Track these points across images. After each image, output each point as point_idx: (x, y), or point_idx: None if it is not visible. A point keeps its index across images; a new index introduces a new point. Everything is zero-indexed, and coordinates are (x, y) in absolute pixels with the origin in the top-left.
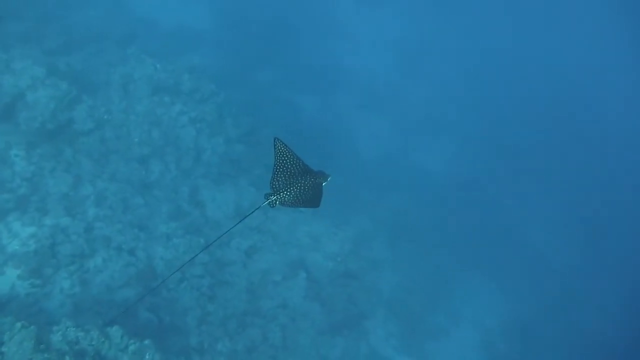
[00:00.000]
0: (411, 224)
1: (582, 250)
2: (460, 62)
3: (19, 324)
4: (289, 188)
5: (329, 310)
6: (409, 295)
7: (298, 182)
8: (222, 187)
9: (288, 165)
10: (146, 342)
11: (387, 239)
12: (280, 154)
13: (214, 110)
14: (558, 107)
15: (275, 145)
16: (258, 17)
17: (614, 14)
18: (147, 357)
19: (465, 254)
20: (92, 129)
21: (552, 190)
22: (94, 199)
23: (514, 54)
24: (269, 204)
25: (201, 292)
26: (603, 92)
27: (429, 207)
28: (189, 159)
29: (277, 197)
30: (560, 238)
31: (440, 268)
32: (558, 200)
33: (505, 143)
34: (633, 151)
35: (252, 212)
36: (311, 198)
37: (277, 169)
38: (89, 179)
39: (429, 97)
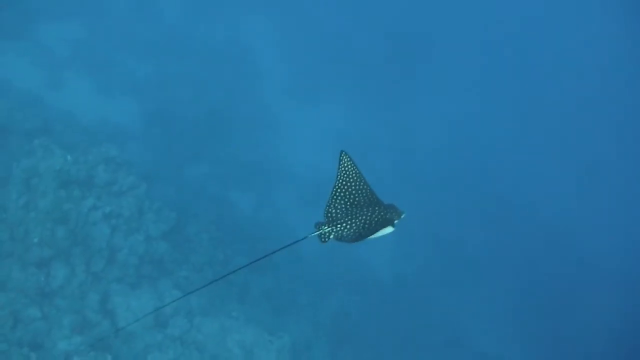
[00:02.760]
0: (354, 327)
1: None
2: (401, 156)
3: None
4: (351, 220)
5: None
6: None
7: (363, 214)
8: (140, 291)
9: (353, 189)
10: None
11: (328, 345)
12: (346, 172)
13: (133, 204)
14: (495, 201)
15: (340, 160)
16: (190, 112)
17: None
18: None
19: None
20: None
21: (494, 285)
22: None
23: (451, 151)
24: (319, 236)
25: None
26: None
27: (372, 307)
28: (101, 261)
29: (332, 230)
30: (507, 339)
31: None
32: (500, 294)
33: (444, 237)
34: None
35: (292, 243)
36: (375, 232)
37: (337, 191)
38: None
39: None
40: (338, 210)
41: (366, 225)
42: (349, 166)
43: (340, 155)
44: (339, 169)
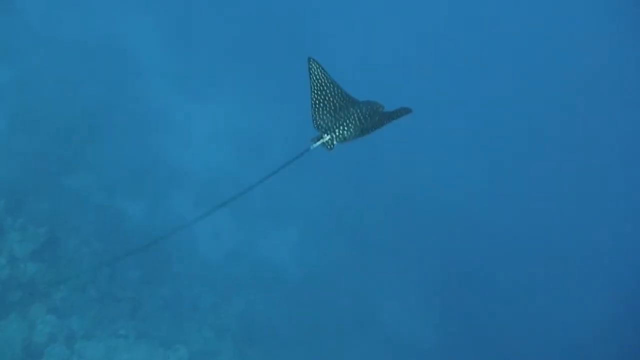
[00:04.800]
0: (262, 326)
1: (439, 327)
2: (299, 148)
3: None
4: (345, 122)
5: None
6: None
7: (352, 114)
8: (5, 322)
9: (330, 95)
10: None
11: (234, 348)
12: (318, 80)
13: None
14: (399, 184)
15: (310, 69)
16: (64, 116)
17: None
18: None
19: (324, 353)
20: None
21: (404, 266)
22: None
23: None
24: (324, 145)
25: None
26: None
27: (279, 302)
28: None
29: (333, 136)
30: (419, 318)
31: None
32: (411, 276)
33: (348, 222)
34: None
35: (297, 157)
36: (380, 122)
37: (316, 102)
38: None
39: (270, 186)
40: (326, 120)
41: (362, 120)
42: (319, 73)
43: (309, 63)
44: (310, 78)
